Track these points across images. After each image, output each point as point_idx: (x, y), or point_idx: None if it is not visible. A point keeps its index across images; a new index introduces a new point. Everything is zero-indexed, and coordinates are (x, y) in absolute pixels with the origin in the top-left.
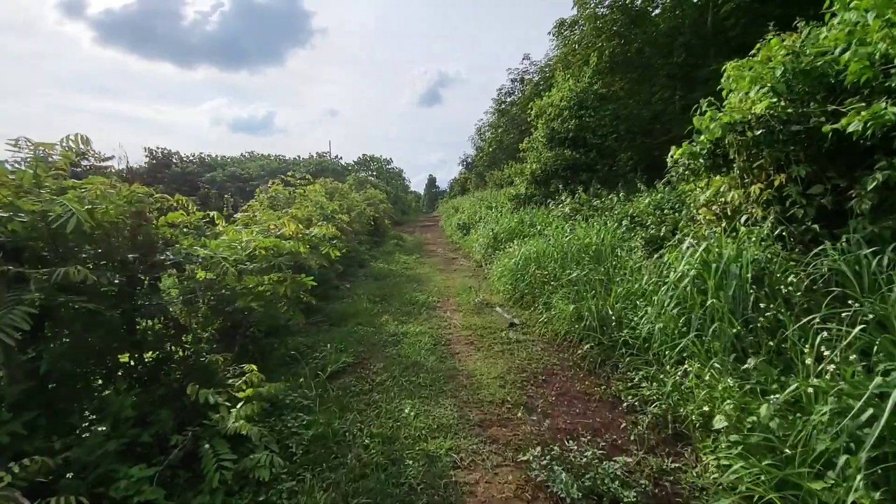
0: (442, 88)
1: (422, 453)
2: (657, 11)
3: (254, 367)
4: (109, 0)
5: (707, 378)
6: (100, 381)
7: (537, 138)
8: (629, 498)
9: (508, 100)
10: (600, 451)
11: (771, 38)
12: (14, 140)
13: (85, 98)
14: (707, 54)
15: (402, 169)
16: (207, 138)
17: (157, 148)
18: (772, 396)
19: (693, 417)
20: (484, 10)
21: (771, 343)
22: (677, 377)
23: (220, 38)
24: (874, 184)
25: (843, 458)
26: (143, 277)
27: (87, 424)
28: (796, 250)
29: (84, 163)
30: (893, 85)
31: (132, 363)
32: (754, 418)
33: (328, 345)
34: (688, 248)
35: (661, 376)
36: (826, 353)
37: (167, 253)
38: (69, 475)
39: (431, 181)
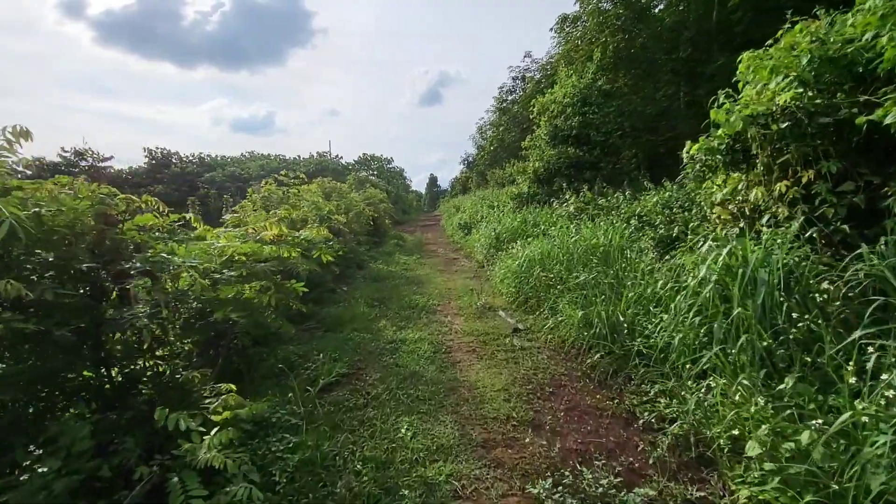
0: (443, 88)
1: (419, 480)
2: (661, 6)
3: (232, 386)
4: (110, 0)
5: (735, 396)
6: (57, 407)
7: (540, 136)
8: None
9: (510, 98)
10: (617, 479)
11: (796, 25)
12: None
13: (85, 98)
14: (711, 49)
15: (402, 168)
16: (208, 138)
17: (157, 148)
18: (813, 422)
19: (721, 441)
20: (485, 10)
21: (808, 358)
22: (700, 394)
23: (220, 38)
24: None
25: None
26: (111, 286)
27: (29, 463)
28: (828, 253)
29: (82, 163)
30: None
31: (98, 383)
32: (792, 445)
33: (321, 354)
34: (708, 250)
35: (682, 392)
36: (869, 366)
37: (134, 260)
38: None
39: (432, 180)
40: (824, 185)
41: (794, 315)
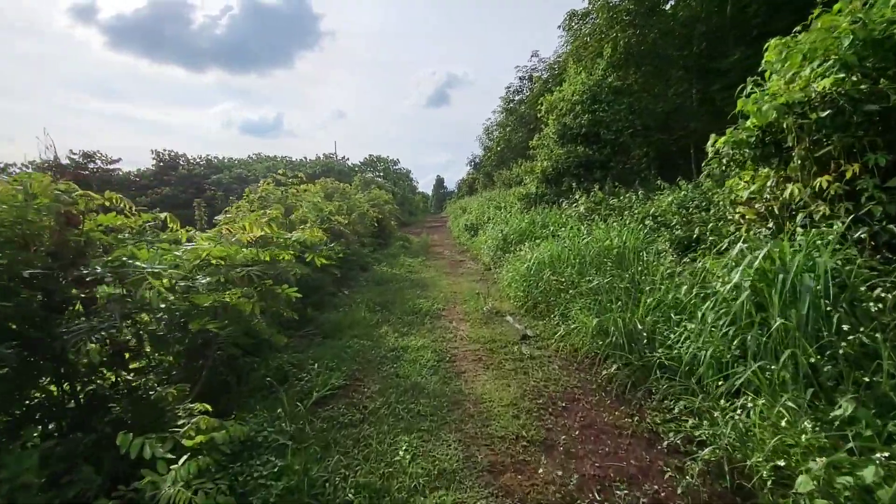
0: (450, 89)
1: None
2: (672, 1)
3: (207, 407)
4: (120, 5)
5: (776, 419)
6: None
7: (548, 135)
8: None
9: (517, 98)
10: None
11: (835, 4)
12: None
13: (95, 101)
14: (725, 44)
15: (409, 169)
16: (218, 141)
17: (164, 150)
18: (877, 455)
19: (763, 472)
20: (492, 12)
21: (861, 377)
22: (734, 414)
23: (229, 42)
24: None
25: None
26: (78, 294)
27: None
28: (877, 257)
29: (91, 165)
30: None
31: (56, 402)
32: (851, 481)
33: (317, 363)
34: (739, 254)
35: (712, 411)
36: None
37: (98, 265)
38: None
39: (439, 182)
40: (871, 179)
41: (845, 327)
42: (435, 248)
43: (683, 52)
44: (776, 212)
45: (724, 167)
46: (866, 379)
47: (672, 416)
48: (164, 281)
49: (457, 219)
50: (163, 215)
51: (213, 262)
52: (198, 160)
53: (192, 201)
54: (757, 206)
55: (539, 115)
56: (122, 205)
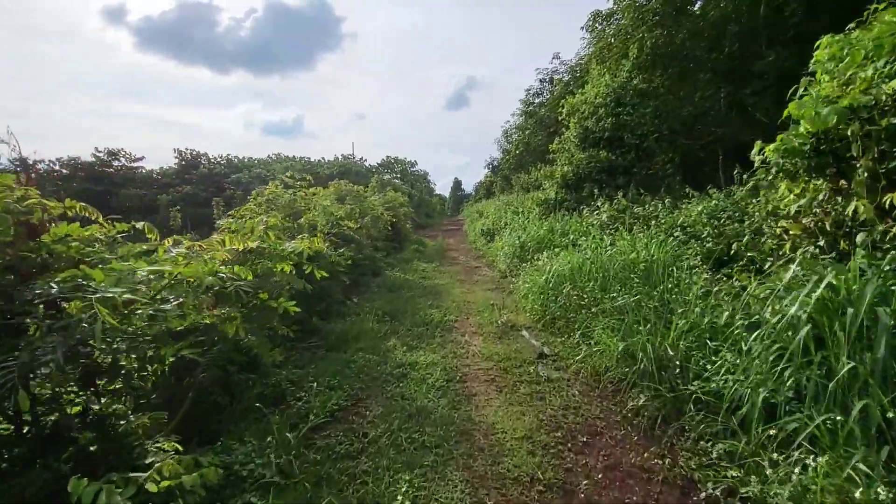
0: (469, 92)
1: None
2: (700, 2)
3: (176, 446)
4: (149, 7)
5: (843, 481)
6: None
7: (569, 138)
8: None
9: (537, 101)
10: None
11: None
12: None
13: (123, 102)
14: (758, 46)
15: (426, 172)
16: (240, 141)
17: (186, 149)
18: None
19: None
20: (512, 15)
21: None
22: (789, 470)
23: (253, 44)
24: None
25: None
26: (43, 310)
27: None
28: None
29: (115, 163)
30: None
31: (15, 433)
32: None
33: (317, 381)
34: (795, 279)
35: (759, 460)
36: None
37: (53, 283)
38: None
39: (457, 184)
40: None
41: None
42: (450, 252)
43: (712, 54)
44: (828, 228)
45: (772, 177)
46: None
47: (710, 461)
48: (119, 305)
49: (473, 223)
50: (140, 224)
51: (187, 281)
52: (219, 159)
53: (212, 200)
54: (805, 220)
55: (560, 119)
56: (86, 213)
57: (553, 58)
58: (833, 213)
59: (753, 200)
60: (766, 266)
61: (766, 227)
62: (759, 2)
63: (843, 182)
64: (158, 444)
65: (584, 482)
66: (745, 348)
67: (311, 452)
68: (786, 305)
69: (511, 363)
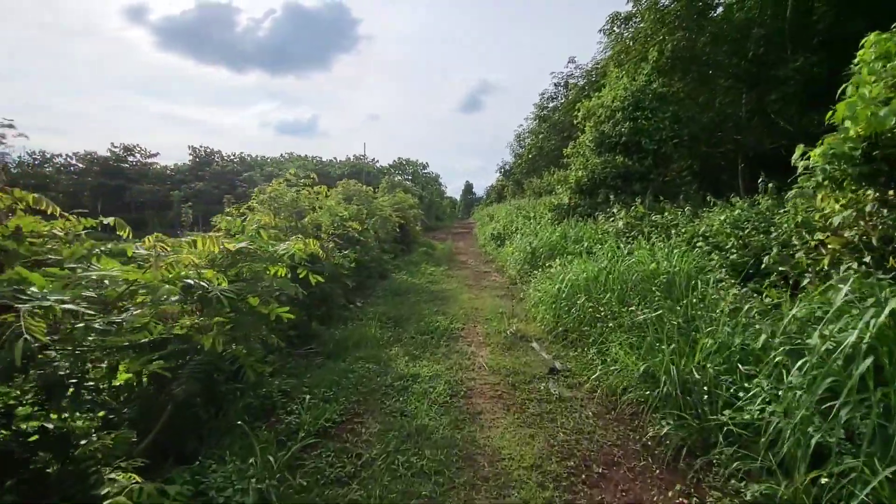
0: (483, 96)
1: None
2: (726, 2)
3: (135, 477)
4: (169, 7)
5: None
6: None
7: (584, 142)
8: None
9: (551, 105)
10: None
11: None
12: None
13: (141, 99)
14: (784, 50)
15: (438, 174)
16: (255, 140)
17: (201, 146)
18: None
19: None
20: (526, 20)
21: None
22: None
23: (270, 44)
24: None
25: None
26: None
27: None
28: None
29: (130, 158)
30: None
31: None
32: None
33: (312, 392)
34: (847, 302)
35: None
36: None
37: None
38: None
39: (468, 187)
40: None
41: None
42: (459, 255)
43: (733, 59)
44: (874, 243)
45: (815, 184)
46: None
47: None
48: (57, 314)
49: (483, 226)
50: (109, 220)
51: (146, 287)
52: (232, 157)
53: (223, 197)
54: (847, 234)
55: (575, 122)
56: (41, 206)
57: (569, 62)
58: (882, 227)
59: (780, 210)
60: (804, 283)
61: (797, 239)
62: (785, 4)
63: (892, 192)
64: (120, 469)
65: None
66: (787, 378)
67: (297, 476)
68: (838, 331)
69: (520, 378)
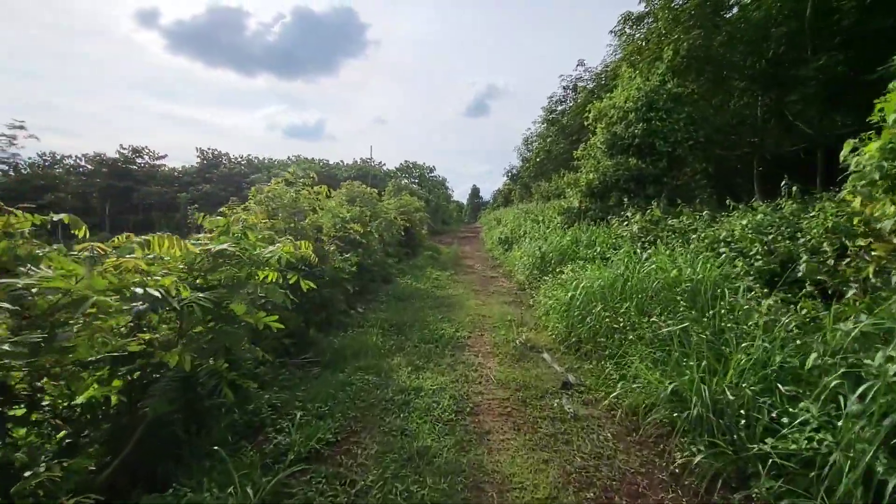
0: (490, 100)
1: None
2: (735, 8)
3: None
4: (180, 11)
5: None
6: None
7: (595, 145)
8: None
9: (559, 108)
10: None
11: None
12: None
13: (151, 101)
14: (803, 51)
15: (444, 178)
16: (262, 143)
17: (209, 149)
18: None
19: None
20: (533, 25)
21: None
22: None
23: (279, 48)
24: None
25: None
26: None
27: None
28: None
29: (139, 159)
30: None
31: None
32: None
33: (305, 407)
34: None
35: None
36: None
37: None
38: None
39: (475, 191)
40: None
41: None
42: (465, 260)
43: (749, 59)
44: None
45: (871, 184)
46: None
47: None
48: None
49: (490, 230)
50: (61, 216)
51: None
52: (240, 159)
53: (230, 199)
54: None
55: (586, 124)
56: None
57: (577, 65)
58: None
59: (806, 215)
60: (848, 293)
61: (827, 245)
62: (805, 2)
63: None
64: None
65: None
66: (845, 405)
67: None
68: None
69: (531, 393)
